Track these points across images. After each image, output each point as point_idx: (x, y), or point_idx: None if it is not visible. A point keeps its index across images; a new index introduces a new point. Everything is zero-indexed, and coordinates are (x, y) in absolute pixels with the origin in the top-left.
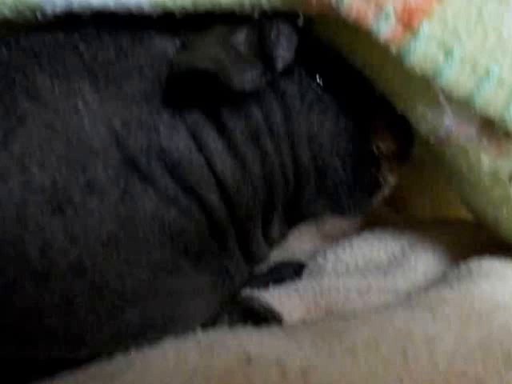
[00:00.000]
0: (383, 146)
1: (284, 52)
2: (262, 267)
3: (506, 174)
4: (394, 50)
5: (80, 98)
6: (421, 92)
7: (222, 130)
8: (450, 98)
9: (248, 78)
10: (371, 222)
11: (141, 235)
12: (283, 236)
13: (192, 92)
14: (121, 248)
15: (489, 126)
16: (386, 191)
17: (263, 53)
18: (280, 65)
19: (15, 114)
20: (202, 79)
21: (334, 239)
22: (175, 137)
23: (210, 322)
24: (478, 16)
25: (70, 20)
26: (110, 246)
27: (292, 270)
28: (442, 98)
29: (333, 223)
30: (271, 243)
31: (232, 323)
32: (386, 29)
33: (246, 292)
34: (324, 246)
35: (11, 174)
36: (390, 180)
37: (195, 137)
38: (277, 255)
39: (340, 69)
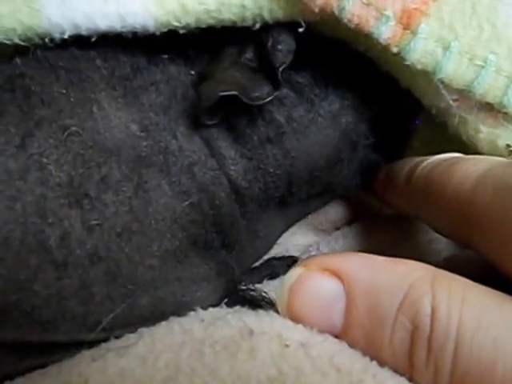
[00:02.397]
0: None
1: (282, 60)
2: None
3: (503, 143)
4: (394, 49)
5: (95, 104)
6: (421, 75)
7: (238, 138)
8: (449, 88)
9: (263, 92)
10: (363, 215)
11: (153, 225)
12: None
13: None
14: (134, 237)
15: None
16: None
17: (267, 65)
18: (280, 76)
19: (32, 119)
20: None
21: (327, 233)
22: (191, 143)
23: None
24: (472, 10)
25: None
26: (123, 236)
27: (285, 265)
28: (441, 88)
29: (325, 216)
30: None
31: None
32: (386, 31)
33: (241, 285)
34: (317, 240)
35: (30, 173)
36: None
37: (209, 145)
38: (269, 251)
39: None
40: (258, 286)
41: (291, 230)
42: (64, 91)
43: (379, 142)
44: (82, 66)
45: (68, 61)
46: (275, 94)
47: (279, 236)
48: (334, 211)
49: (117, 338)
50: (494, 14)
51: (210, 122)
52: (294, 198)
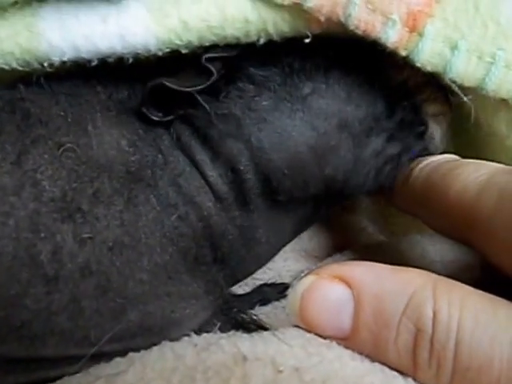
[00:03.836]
0: (404, 76)
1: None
2: (246, 288)
3: None
4: (403, 52)
5: (90, 123)
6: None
7: (204, 140)
8: (461, 88)
9: (197, 82)
10: (354, 242)
11: (143, 240)
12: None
13: (177, 116)
14: (125, 251)
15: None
16: (437, 132)
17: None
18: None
19: (29, 137)
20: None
21: (319, 259)
22: (174, 155)
23: (204, 329)
24: (475, 9)
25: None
26: (115, 250)
27: (276, 291)
28: (454, 87)
29: (318, 243)
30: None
31: (224, 331)
32: (393, 35)
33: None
34: (309, 266)
35: (24, 188)
36: (435, 112)
37: (188, 155)
38: (262, 276)
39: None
40: (247, 312)
41: (284, 255)
42: (62, 113)
43: (393, 130)
44: (83, 91)
45: (69, 87)
46: (208, 82)
47: (288, 242)
48: (326, 238)
49: (107, 359)
50: (496, 11)
51: (156, 118)
52: (286, 196)
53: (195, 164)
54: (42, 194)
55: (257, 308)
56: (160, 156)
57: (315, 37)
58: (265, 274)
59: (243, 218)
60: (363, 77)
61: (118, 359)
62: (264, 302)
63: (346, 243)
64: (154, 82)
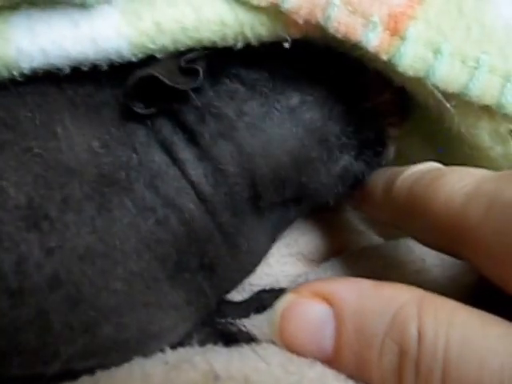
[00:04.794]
0: (381, 99)
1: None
2: (244, 295)
3: (505, 130)
4: (384, 57)
5: (59, 124)
6: (415, 83)
7: (191, 138)
8: (445, 95)
9: (189, 79)
10: (352, 245)
11: (118, 246)
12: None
13: (160, 109)
14: (97, 260)
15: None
16: (391, 151)
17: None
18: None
19: None
20: (161, 92)
21: (316, 263)
22: (150, 153)
23: (185, 342)
24: (458, 11)
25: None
26: (86, 259)
27: (274, 297)
28: (437, 93)
29: (315, 246)
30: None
31: (202, 344)
32: (374, 38)
33: (226, 320)
34: (306, 270)
35: None
36: (394, 136)
37: (168, 151)
38: (259, 281)
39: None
40: (239, 320)
41: (281, 260)
42: (30, 114)
43: (359, 148)
44: (50, 89)
45: (36, 86)
46: (197, 81)
47: (267, 250)
48: (324, 241)
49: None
50: (480, 13)
51: (141, 111)
52: (265, 202)
53: (176, 162)
54: (5, 201)
55: (252, 316)
56: (134, 155)
57: (303, 46)
58: (262, 280)
59: (229, 223)
60: (346, 94)
61: (83, 377)
62: (260, 309)
63: (344, 246)
64: (142, 72)
